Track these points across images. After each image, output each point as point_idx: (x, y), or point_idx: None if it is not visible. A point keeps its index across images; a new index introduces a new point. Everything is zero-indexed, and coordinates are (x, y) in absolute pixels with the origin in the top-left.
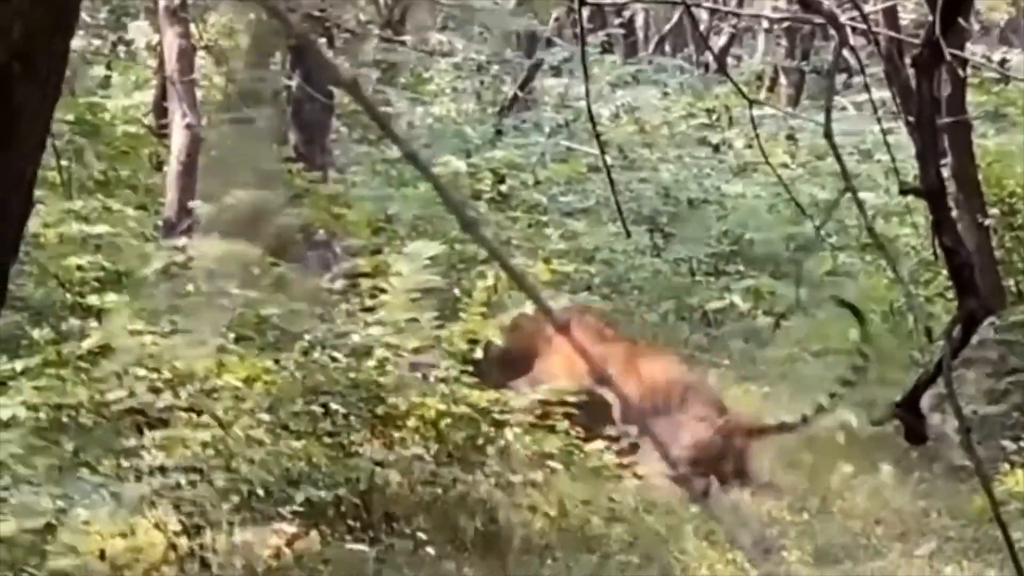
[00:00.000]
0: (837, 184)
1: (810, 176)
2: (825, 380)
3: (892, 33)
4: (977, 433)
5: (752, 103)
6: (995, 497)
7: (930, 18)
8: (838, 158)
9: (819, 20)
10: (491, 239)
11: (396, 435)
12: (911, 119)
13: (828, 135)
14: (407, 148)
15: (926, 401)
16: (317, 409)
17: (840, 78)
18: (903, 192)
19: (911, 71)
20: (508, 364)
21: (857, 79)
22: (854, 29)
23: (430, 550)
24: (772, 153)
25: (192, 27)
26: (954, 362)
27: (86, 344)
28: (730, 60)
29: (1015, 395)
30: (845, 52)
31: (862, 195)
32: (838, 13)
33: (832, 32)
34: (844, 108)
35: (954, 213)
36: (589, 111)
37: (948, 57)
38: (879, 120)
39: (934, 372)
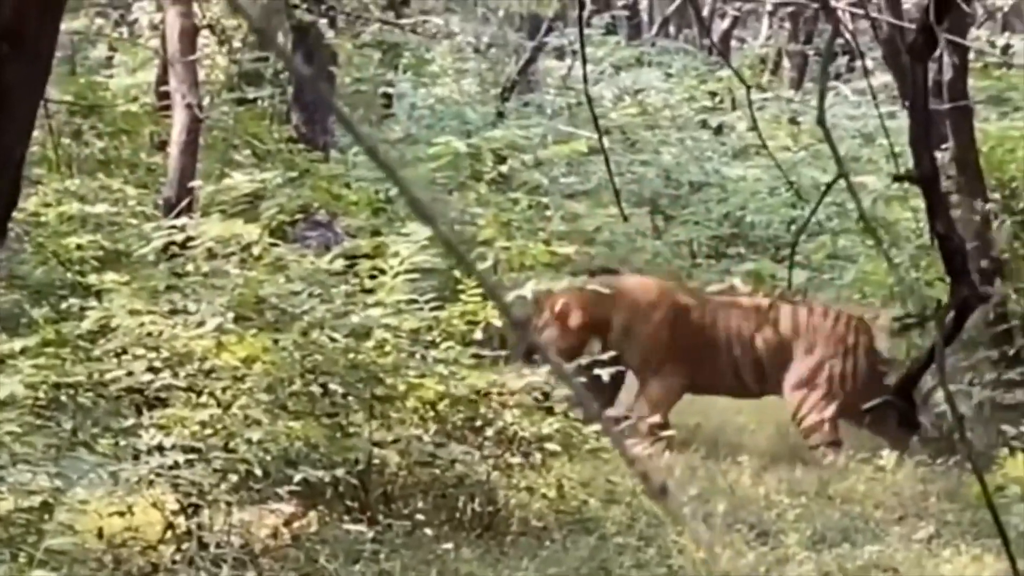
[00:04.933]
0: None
1: (812, 159)
2: None
3: (890, 19)
4: (976, 418)
5: (750, 88)
6: (986, 483)
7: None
8: (831, 145)
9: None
10: (452, 237)
11: (395, 416)
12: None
13: (821, 121)
14: (349, 124)
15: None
16: (316, 389)
17: (843, 60)
18: (896, 179)
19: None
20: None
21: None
22: (855, 13)
23: (428, 531)
24: (774, 136)
25: (195, 6)
26: (952, 346)
27: (85, 323)
28: (734, 42)
29: (1014, 380)
30: (847, 35)
31: (863, 179)
32: None
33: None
34: (844, 94)
35: (955, 198)
36: (587, 95)
37: (943, 43)
38: (877, 105)
39: (927, 359)
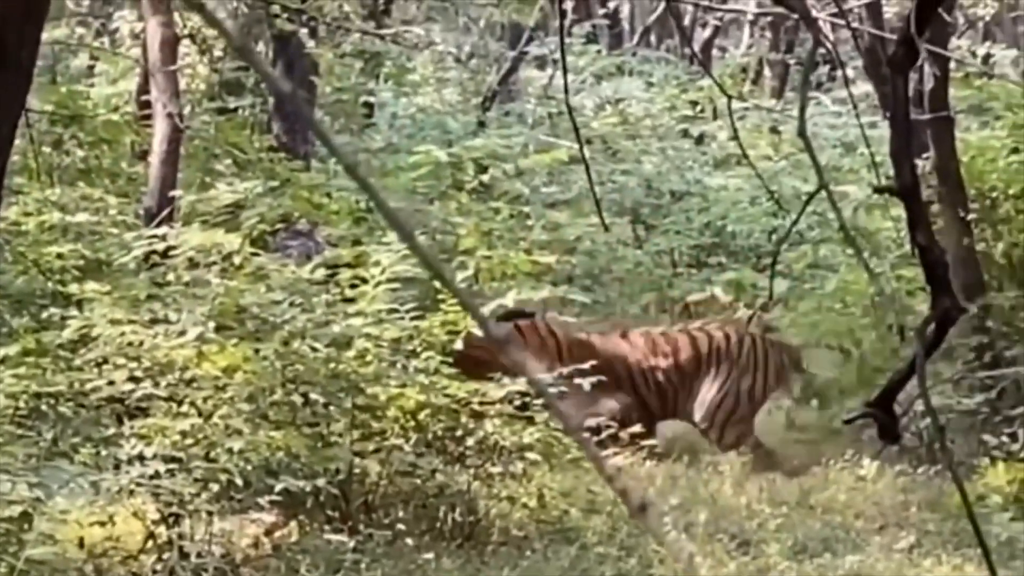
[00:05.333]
0: None
1: (793, 169)
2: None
3: (870, 29)
4: (957, 427)
5: (731, 98)
6: (967, 494)
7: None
8: (812, 155)
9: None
10: (429, 252)
11: (375, 426)
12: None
13: (802, 133)
14: (326, 139)
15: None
16: (297, 399)
17: (824, 70)
18: (877, 191)
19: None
20: None
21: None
22: (836, 24)
23: (409, 541)
24: (756, 145)
25: (176, 16)
26: (933, 355)
27: (66, 333)
28: (715, 52)
29: (995, 388)
30: (828, 45)
31: (845, 188)
32: (816, 8)
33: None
34: (825, 104)
35: (936, 207)
36: (568, 104)
37: (924, 55)
38: (858, 115)
39: (907, 371)
